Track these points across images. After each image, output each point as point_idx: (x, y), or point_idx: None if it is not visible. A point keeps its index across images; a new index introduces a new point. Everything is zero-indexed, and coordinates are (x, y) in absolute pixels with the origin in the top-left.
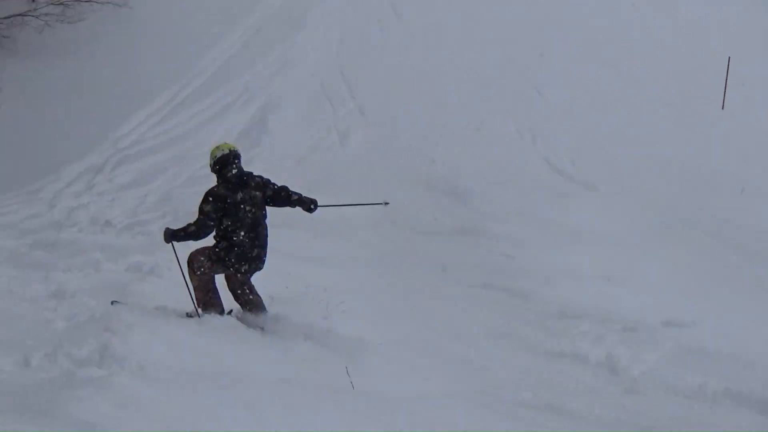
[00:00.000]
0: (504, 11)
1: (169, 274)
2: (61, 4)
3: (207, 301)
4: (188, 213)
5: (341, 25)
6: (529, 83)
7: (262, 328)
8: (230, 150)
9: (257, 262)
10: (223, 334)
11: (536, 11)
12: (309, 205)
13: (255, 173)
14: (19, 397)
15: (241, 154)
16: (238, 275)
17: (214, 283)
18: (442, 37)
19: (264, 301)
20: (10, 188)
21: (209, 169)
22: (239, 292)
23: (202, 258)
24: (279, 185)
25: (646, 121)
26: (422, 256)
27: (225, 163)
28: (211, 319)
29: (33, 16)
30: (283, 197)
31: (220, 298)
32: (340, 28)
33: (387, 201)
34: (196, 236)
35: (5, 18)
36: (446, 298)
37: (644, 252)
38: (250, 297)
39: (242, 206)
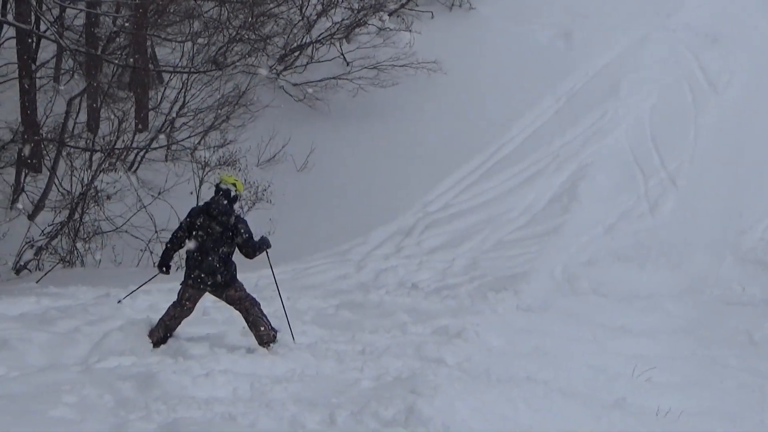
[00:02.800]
0: None
1: (476, 338)
2: (375, 68)
3: (156, 329)
4: (497, 277)
5: (654, 93)
6: None
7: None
8: (220, 181)
9: (200, 281)
10: (536, 401)
11: None
12: (262, 247)
13: (240, 217)
14: None
15: (236, 193)
16: (189, 291)
17: (173, 321)
18: (758, 109)
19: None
20: (320, 249)
21: None
22: (235, 308)
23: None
24: (247, 241)
25: None
26: (730, 326)
27: (215, 191)
28: (521, 386)
29: (347, 79)
30: (244, 252)
31: (164, 334)
32: (653, 97)
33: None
34: (169, 239)
35: (320, 81)
36: (754, 371)
37: None
38: (245, 316)
39: (198, 229)
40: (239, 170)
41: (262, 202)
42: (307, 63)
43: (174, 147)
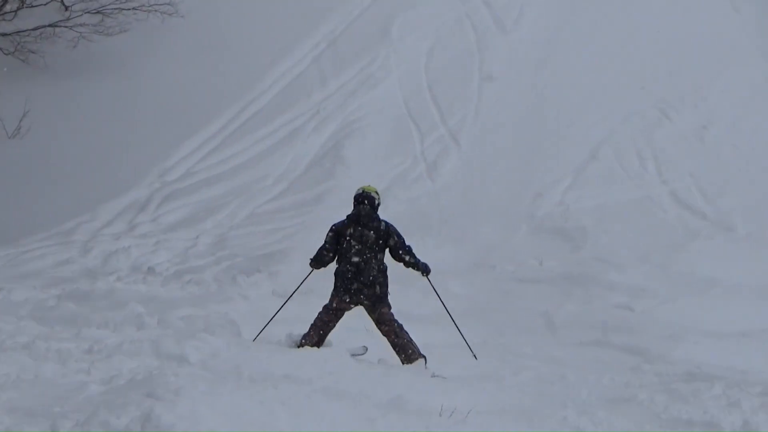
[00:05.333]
0: (626, 23)
1: (222, 332)
2: (99, 12)
3: (309, 334)
4: (249, 257)
5: (432, 35)
6: (654, 105)
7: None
8: (363, 191)
9: (358, 296)
10: (296, 403)
11: (665, 24)
12: (422, 271)
13: (390, 222)
14: None
15: (379, 200)
16: (345, 306)
17: (325, 326)
18: (553, 52)
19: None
20: (38, 230)
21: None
22: (382, 329)
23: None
24: (403, 243)
25: None
26: (524, 308)
27: (355, 201)
28: (278, 386)
29: (66, 27)
30: (398, 255)
31: (318, 338)
32: (431, 39)
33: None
34: (314, 260)
35: (33, 30)
36: (553, 359)
37: None
38: (394, 339)
39: (350, 240)
40: None
41: None
42: (18, 8)
43: None
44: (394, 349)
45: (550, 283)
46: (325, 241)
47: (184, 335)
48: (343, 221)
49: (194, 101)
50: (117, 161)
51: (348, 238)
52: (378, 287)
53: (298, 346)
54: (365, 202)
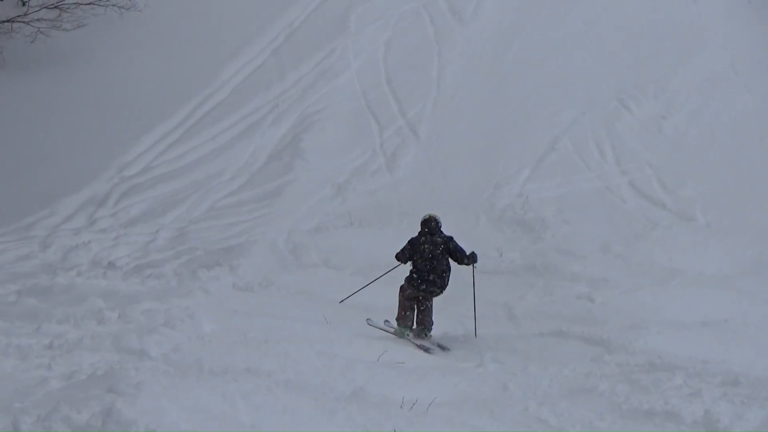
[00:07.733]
0: (586, 14)
1: (183, 326)
2: (57, 7)
3: (401, 316)
4: (209, 251)
5: (389, 26)
6: (614, 95)
7: (427, 349)
8: (429, 216)
9: (431, 285)
10: (257, 397)
11: (625, 15)
12: (470, 262)
13: (449, 236)
14: None
15: (440, 222)
16: (420, 294)
17: (412, 308)
18: (512, 44)
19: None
20: None
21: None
22: (421, 308)
23: (404, 283)
24: (456, 248)
25: (754, 141)
26: (485, 299)
27: (423, 224)
28: (240, 379)
29: (23, 22)
30: (456, 258)
31: (411, 319)
32: (388, 31)
33: None
34: (397, 257)
35: None
36: (514, 350)
37: (749, 294)
38: (425, 316)
39: (424, 245)
40: None
41: None
42: None
43: None
44: (418, 316)
45: (511, 275)
46: (404, 248)
47: (145, 330)
48: (417, 236)
49: (153, 95)
50: (76, 156)
51: (422, 244)
52: (446, 278)
53: (398, 331)
54: (432, 223)
